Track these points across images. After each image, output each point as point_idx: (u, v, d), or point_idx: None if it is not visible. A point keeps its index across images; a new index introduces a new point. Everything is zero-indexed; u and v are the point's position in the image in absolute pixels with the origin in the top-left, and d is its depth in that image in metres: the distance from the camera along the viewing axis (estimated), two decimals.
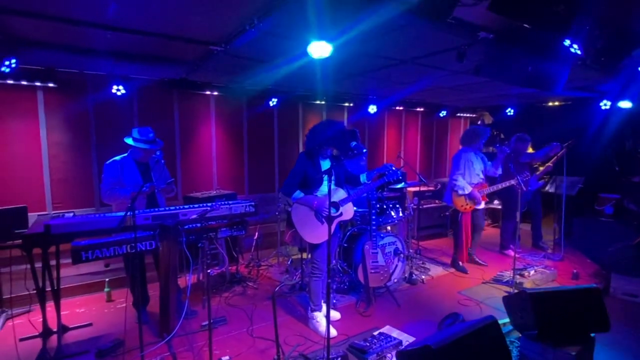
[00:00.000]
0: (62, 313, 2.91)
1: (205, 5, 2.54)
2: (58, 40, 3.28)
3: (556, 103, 6.63)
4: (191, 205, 3.10)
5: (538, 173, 5.27)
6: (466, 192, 4.57)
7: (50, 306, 2.87)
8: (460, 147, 4.86)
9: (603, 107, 5.39)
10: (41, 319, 2.82)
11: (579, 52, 2.36)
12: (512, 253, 5.16)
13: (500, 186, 4.74)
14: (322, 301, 3.37)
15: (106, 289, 3.89)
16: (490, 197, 5.08)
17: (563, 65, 2.82)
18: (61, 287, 2.91)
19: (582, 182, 5.23)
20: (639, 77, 2.98)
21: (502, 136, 7.27)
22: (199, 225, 2.98)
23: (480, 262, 5.01)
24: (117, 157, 3.25)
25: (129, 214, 2.39)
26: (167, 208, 3.05)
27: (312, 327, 3.31)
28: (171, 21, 2.87)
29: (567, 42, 2.32)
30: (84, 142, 4.62)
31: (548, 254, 5.31)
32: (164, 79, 4.87)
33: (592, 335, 2.60)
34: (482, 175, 4.75)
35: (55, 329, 2.93)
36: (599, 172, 5.84)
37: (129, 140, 3.24)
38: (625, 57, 2.59)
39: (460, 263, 4.85)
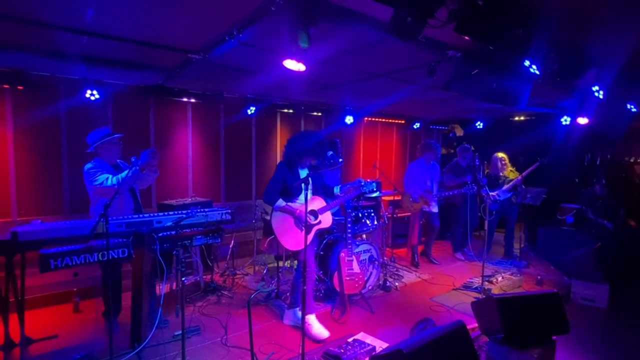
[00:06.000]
0: (25, 324, 2.80)
1: (187, 15, 2.57)
2: (29, 42, 3.21)
3: (522, 118, 7.01)
4: (166, 213, 3.08)
5: (508, 185, 5.52)
6: (417, 195, 5.25)
7: (13, 317, 2.75)
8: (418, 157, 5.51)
9: (563, 123, 5.75)
10: (3, 331, 2.71)
11: (537, 72, 2.55)
12: (461, 257, 5.59)
13: (451, 192, 5.26)
14: (314, 304, 3.45)
15: (74, 299, 3.76)
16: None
17: (525, 83, 3.03)
18: (25, 297, 2.80)
19: (545, 192, 5.52)
20: (592, 96, 3.24)
21: (473, 148, 7.59)
22: (173, 232, 2.96)
23: (433, 260, 5.56)
24: (90, 164, 3.21)
25: (101, 220, 2.36)
26: (141, 215, 3.01)
27: (306, 333, 3.31)
28: (151, 28, 2.88)
29: (527, 63, 2.51)
30: (54, 147, 4.47)
31: (515, 261, 5.56)
32: (140, 85, 4.81)
33: (554, 338, 2.76)
34: (429, 183, 5.30)
35: (18, 342, 2.81)
36: (561, 183, 6.20)
37: (92, 147, 3.29)
38: (579, 77, 2.82)
39: (416, 258, 5.49)
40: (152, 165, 3.35)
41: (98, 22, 2.70)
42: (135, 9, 2.49)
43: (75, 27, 2.79)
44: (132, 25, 2.82)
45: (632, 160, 6.59)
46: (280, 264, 4.43)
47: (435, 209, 5.41)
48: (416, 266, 5.37)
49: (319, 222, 3.37)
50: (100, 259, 2.62)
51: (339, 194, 3.53)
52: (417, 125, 7.79)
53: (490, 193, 4.47)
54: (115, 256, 2.69)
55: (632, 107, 4.26)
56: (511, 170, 5.62)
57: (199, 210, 3.13)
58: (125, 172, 3.07)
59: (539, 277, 4.74)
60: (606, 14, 2.32)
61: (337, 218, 4.36)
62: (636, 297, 4.46)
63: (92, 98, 4.28)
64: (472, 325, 3.13)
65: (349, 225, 3.69)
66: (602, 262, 4.50)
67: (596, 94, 3.34)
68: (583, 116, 4.88)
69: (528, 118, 6.92)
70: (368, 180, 3.54)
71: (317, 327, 3.31)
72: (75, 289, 3.83)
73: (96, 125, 4.52)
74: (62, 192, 4.54)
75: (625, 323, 3.83)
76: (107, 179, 3.12)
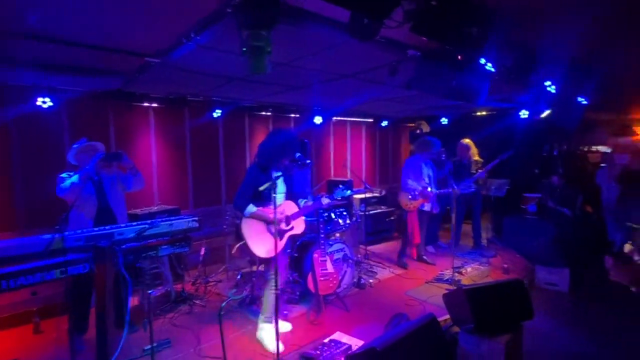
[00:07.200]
0: None
1: (141, 18, 2.48)
2: None
3: (484, 113, 7.27)
4: (128, 224, 2.95)
5: (470, 178, 5.69)
6: (416, 192, 4.98)
7: None
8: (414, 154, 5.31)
9: (522, 116, 6.00)
10: None
11: (492, 69, 2.66)
12: (432, 250, 5.84)
13: (444, 191, 5.15)
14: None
15: (34, 320, 3.54)
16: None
17: (483, 80, 3.14)
18: None
19: (508, 183, 5.76)
20: (546, 90, 3.41)
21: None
22: (137, 244, 2.84)
23: (427, 261, 5.36)
24: (63, 174, 3.16)
25: (56, 236, 2.23)
26: (101, 228, 2.87)
27: (259, 337, 3.28)
28: (105, 32, 2.75)
29: (482, 61, 2.61)
30: (4, 160, 4.18)
31: (484, 251, 5.75)
32: (97, 91, 4.59)
33: (521, 323, 2.87)
34: (427, 180, 5.16)
35: None
36: (523, 174, 6.48)
37: (71, 156, 3.24)
38: (531, 73, 2.96)
39: (405, 260, 5.24)
40: (130, 167, 3.35)
41: (47, 26, 2.55)
42: (86, 12, 2.37)
43: (22, 31, 2.62)
44: (84, 30, 2.68)
45: (585, 149, 6.99)
46: (254, 268, 4.37)
47: (436, 210, 5.27)
48: (404, 267, 5.21)
49: (292, 228, 3.34)
50: (59, 276, 2.48)
51: (308, 202, 3.50)
52: (385, 123, 7.91)
53: (455, 187, 4.59)
54: (75, 272, 2.54)
55: (583, 99, 4.51)
56: (477, 160, 5.79)
57: (163, 219, 3.02)
58: (76, 176, 3.02)
59: (505, 265, 4.93)
60: (553, 11, 2.44)
61: (309, 219, 4.34)
62: (594, 279, 4.74)
63: (45, 106, 4.03)
64: (445, 316, 3.21)
65: (322, 225, 3.70)
66: (562, 248, 4.75)
67: (549, 88, 3.51)
68: (540, 110, 5.12)
69: (490, 113, 7.19)
70: (340, 186, 3.54)
71: (269, 340, 3.16)
72: (35, 309, 3.61)
73: (50, 134, 4.29)
74: (15, 207, 4.26)
75: (584, 304, 4.06)
76: (61, 187, 3.07)
